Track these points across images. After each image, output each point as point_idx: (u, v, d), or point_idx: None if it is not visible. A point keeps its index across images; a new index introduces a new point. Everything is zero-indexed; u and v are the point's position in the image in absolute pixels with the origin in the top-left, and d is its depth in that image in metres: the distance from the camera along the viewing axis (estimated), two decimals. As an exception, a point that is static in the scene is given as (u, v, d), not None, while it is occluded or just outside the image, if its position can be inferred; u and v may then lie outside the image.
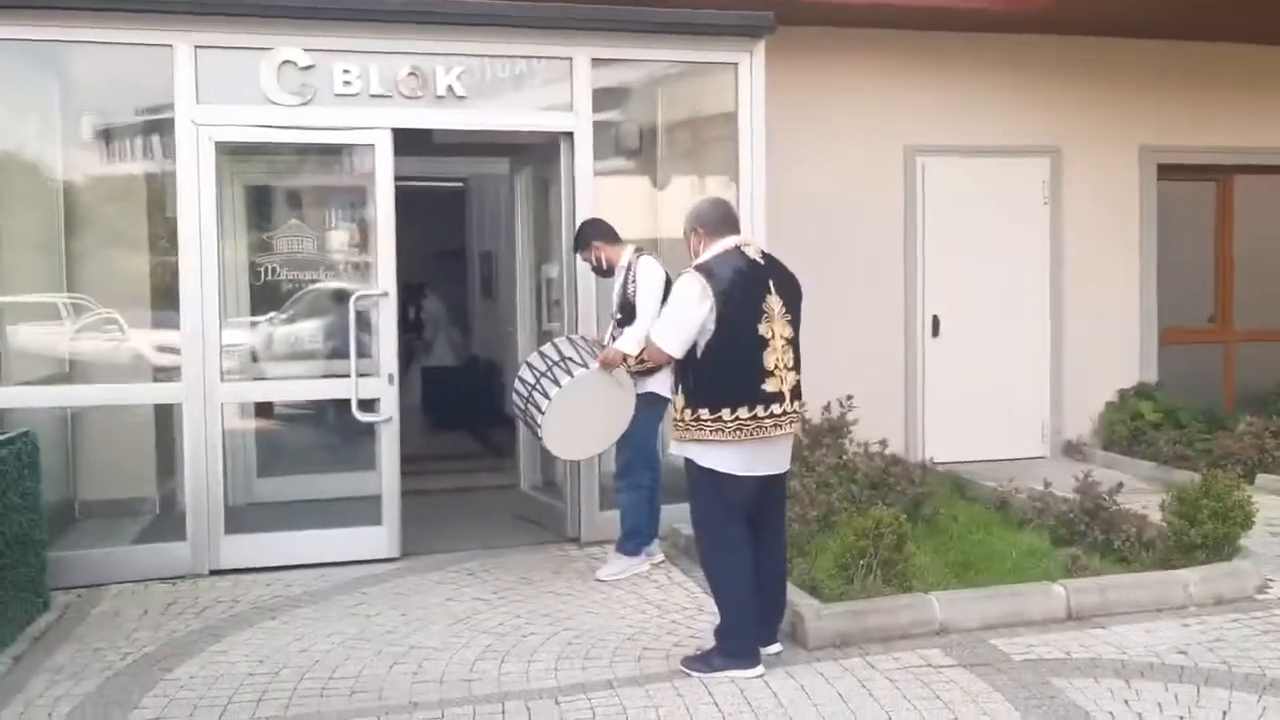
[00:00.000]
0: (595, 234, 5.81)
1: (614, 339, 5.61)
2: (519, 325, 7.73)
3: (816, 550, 5.50)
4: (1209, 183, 9.20)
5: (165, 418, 6.49)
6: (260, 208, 6.94)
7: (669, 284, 5.58)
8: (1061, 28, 8.22)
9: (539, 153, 7.33)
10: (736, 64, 6.61)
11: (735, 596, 4.33)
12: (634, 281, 5.58)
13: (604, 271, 5.87)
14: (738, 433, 4.20)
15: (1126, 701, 4.03)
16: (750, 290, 4.25)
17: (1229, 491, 5.21)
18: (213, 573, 5.90)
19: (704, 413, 4.22)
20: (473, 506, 7.52)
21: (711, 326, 4.19)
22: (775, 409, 4.24)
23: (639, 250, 5.74)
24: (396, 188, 6.15)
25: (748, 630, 4.33)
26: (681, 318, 4.23)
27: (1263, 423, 7.58)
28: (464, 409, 10.11)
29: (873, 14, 7.68)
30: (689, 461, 4.36)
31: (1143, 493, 6.68)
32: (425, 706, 4.13)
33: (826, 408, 7.39)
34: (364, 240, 6.62)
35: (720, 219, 4.45)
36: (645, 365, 5.56)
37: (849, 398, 7.35)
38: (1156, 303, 8.88)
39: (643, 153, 7.23)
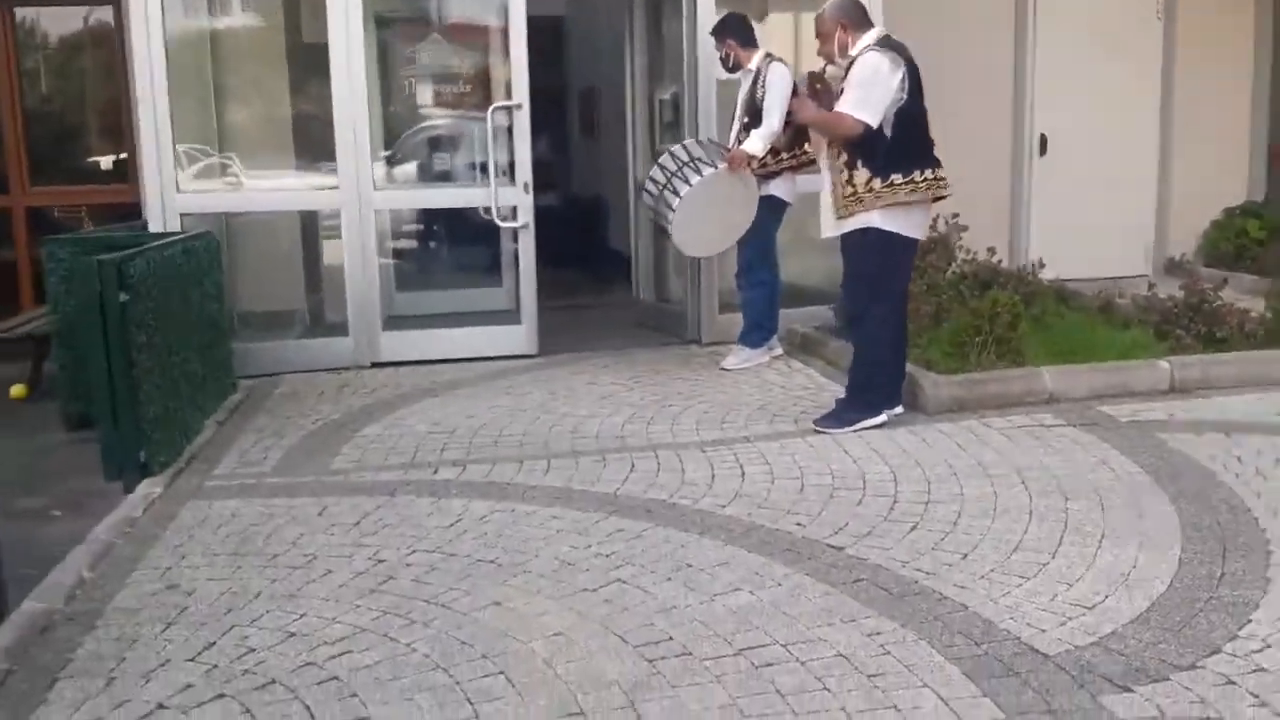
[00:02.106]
0: (734, 29, 6.06)
1: (739, 142, 5.94)
2: (633, 151, 8.09)
3: (929, 341, 5.88)
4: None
5: (312, 237, 7.05)
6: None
7: (797, 91, 5.90)
8: None
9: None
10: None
11: (882, 356, 4.85)
12: (764, 86, 5.87)
13: (729, 67, 6.15)
14: (928, 190, 4.67)
15: (1226, 449, 4.41)
16: (915, 66, 4.67)
17: (1334, 273, 5.44)
18: (373, 365, 6.50)
19: (897, 177, 4.63)
20: (593, 319, 8.03)
21: (904, 96, 4.60)
22: (942, 172, 4.73)
23: (770, 56, 6.01)
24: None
25: (883, 386, 4.86)
26: (880, 90, 4.58)
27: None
28: (570, 246, 10.54)
29: None
30: (862, 234, 4.73)
31: (1244, 302, 6.89)
32: (586, 454, 4.68)
33: (934, 222, 7.63)
34: (498, 52, 6.97)
35: (863, 13, 4.82)
36: (767, 168, 5.92)
37: (955, 215, 7.59)
38: (1269, 121, 8.87)
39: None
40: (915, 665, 2.80)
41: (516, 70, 6.47)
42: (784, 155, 5.96)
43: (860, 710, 2.59)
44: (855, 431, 4.77)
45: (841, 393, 5.24)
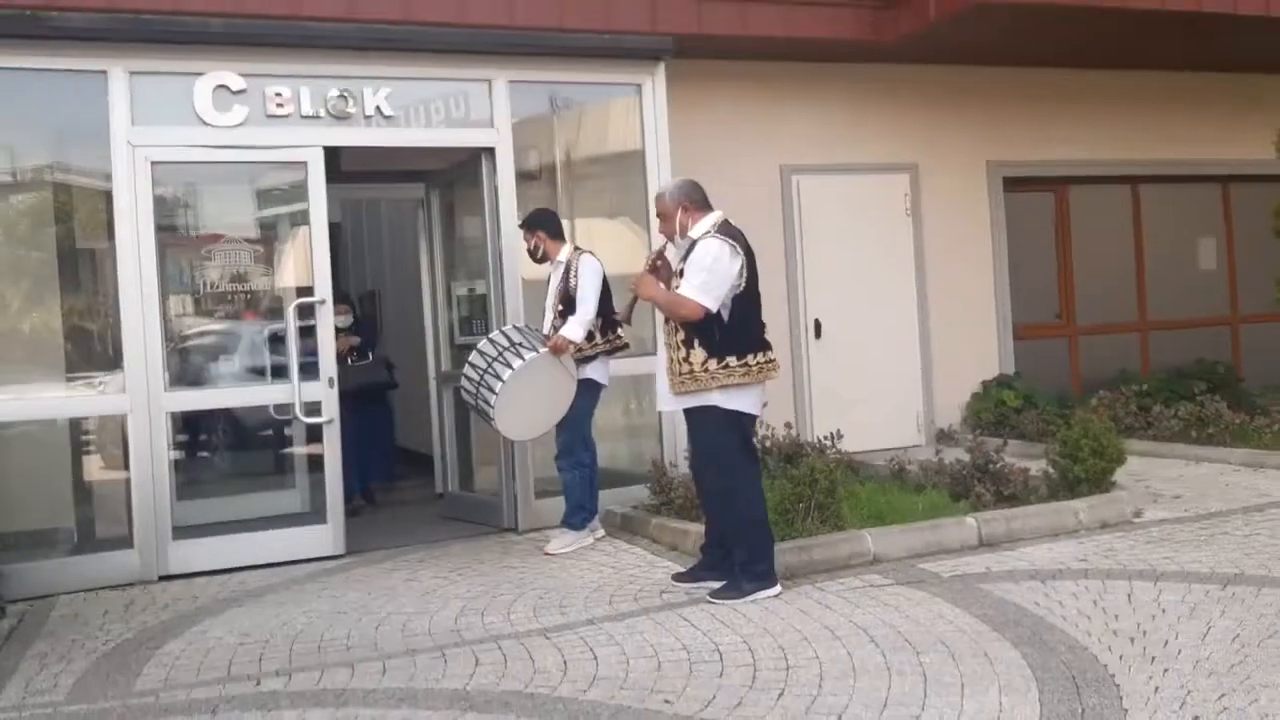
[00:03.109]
0: (544, 222, 6.25)
1: (555, 329, 6.02)
2: (434, 345, 8.09)
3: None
4: (1048, 194, 10.24)
5: (83, 446, 6.58)
6: (196, 221, 7.09)
7: (605, 280, 6.09)
8: (928, 56, 9.08)
9: (447, 176, 7.75)
10: (640, 84, 7.20)
11: (762, 526, 4.90)
12: (576, 275, 6.03)
13: (536, 258, 6.30)
14: (759, 373, 4.81)
15: (1046, 595, 4.65)
16: (750, 253, 4.88)
17: (1105, 433, 5.98)
18: (161, 578, 5.98)
19: (731, 360, 4.76)
20: (396, 515, 7.75)
21: (741, 284, 4.77)
22: (772, 355, 4.91)
23: (578, 248, 6.21)
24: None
25: (771, 554, 4.90)
26: (721, 276, 4.74)
27: (1113, 396, 8.50)
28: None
29: (761, 45, 8.31)
30: (704, 411, 4.82)
31: (1017, 463, 7.43)
32: (424, 651, 4.41)
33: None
34: (296, 249, 6.87)
35: (703, 196, 5.02)
36: (583, 353, 6.02)
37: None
38: (1010, 302, 9.82)
39: (554, 174, 7.70)
40: (825, 829, 2.71)
41: (319, 266, 6.39)
42: (599, 340, 6.08)
43: None
44: (751, 602, 4.75)
45: (673, 568, 5.26)
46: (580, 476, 6.14)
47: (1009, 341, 9.82)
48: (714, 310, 4.74)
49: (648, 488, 6.54)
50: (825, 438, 6.64)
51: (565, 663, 4.14)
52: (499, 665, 4.16)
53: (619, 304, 6.26)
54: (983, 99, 9.62)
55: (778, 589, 4.85)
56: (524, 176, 7.10)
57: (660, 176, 7.19)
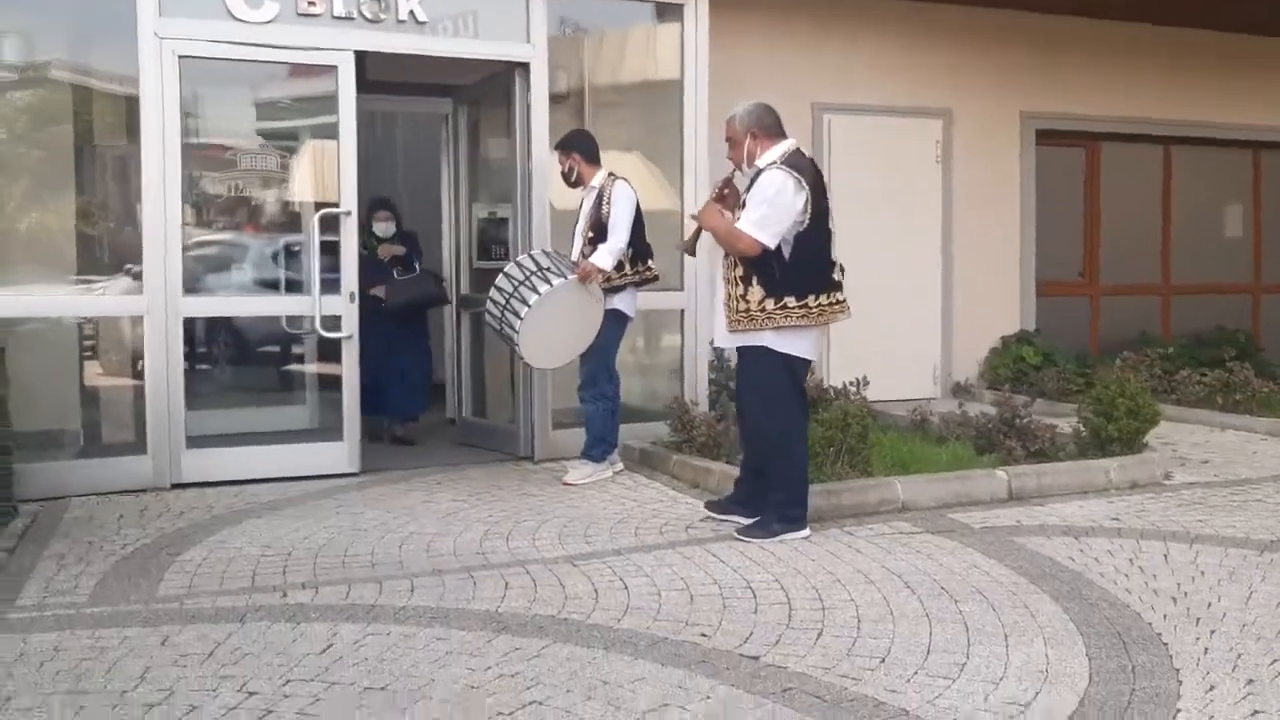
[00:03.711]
0: (580, 144, 6.07)
1: (584, 256, 5.88)
2: (455, 267, 7.95)
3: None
4: (1080, 149, 10.06)
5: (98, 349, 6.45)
6: (220, 124, 6.91)
7: (639, 210, 5.93)
8: (968, -2, 8.86)
9: (475, 93, 7.55)
10: (683, 4, 6.97)
11: (802, 472, 4.80)
12: (609, 202, 5.86)
13: (570, 182, 6.12)
14: (820, 317, 4.63)
15: (1080, 551, 4.58)
16: (821, 188, 4.69)
17: (1141, 393, 5.89)
18: (174, 486, 5.89)
19: (790, 300, 4.59)
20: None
21: (805, 220, 4.57)
22: (840, 296, 4.72)
23: (613, 175, 6.03)
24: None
25: (806, 499, 4.80)
26: (782, 211, 4.55)
27: (1136, 358, 8.41)
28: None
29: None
30: (756, 351, 4.69)
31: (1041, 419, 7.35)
32: (450, 572, 4.33)
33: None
34: (325, 160, 6.70)
35: (776, 122, 4.78)
36: (612, 283, 5.88)
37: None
38: (1035, 258, 9.68)
39: (584, 98, 7.50)
40: (882, 772, 2.65)
41: (346, 177, 6.21)
42: (628, 271, 5.94)
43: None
44: (780, 542, 4.68)
45: (700, 508, 5.19)
46: (603, 409, 6.03)
47: (1031, 297, 9.71)
48: (771, 247, 4.57)
49: (668, 424, 6.44)
50: (851, 383, 6.53)
51: (596, 591, 4.07)
52: (529, 590, 4.08)
53: (652, 236, 6.14)
54: (1020, 47, 9.41)
55: (807, 532, 4.78)
56: (555, 98, 6.88)
57: (698, 107, 7.03)
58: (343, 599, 4.00)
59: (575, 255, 6.01)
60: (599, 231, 5.90)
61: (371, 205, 7.17)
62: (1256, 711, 2.99)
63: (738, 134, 4.77)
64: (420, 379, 7.46)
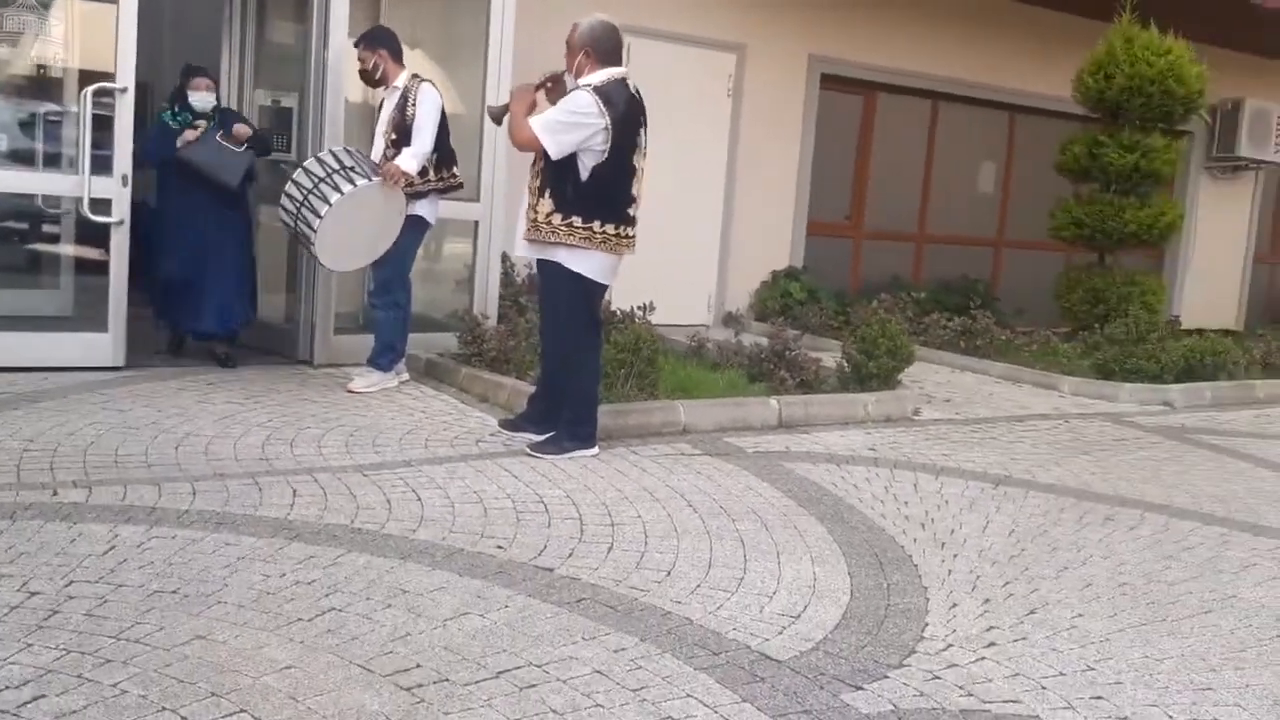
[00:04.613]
0: (387, 42, 5.87)
1: (387, 158, 5.74)
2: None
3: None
4: (859, 96, 10.57)
5: None
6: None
7: (444, 114, 5.84)
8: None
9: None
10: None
11: (592, 392, 4.91)
12: (414, 105, 5.73)
13: (373, 80, 5.94)
14: (603, 244, 4.70)
15: (842, 478, 4.97)
16: (632, 123, 4.71)
17: (899, 334, 6.36)
18: (-87, 370, 5.44)
19: (576, 220, 4.65)
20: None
21: (602, 149, 4.61)
22: (630, 231, 4.80)
23: (417, 76, 5.88)
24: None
25: (595, 419, 4.94)
26: (573, 124, 4.57)
27: (892, 300, 9.03)
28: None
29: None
30: (550, 267, 4.75)
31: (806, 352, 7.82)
32: (234, 477, 4.24)
33: (530, 265, 7.86)
34: (97, 25, 6.19)
35: (614, 48, 4.77)
36: (414, 188, 5.78)
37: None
38: (809, 198, 10.15)
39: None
40: (671, 677, 2.85)
41: (124, 49, 5.77)
42: (431, 177, 5.85)
43: (643, 723, 2.60)
44: (570, 459, 4.81)
45: (490, 422, 5.27)
46: (395, 317, 5.97)
47: (802, 236, 10.21)
48: (552, 155, 4.62)
49: (457, 336, 6.44)
50: (639, 308, 6.71)
51: (389, 501, 4.09)
52: (319, 498, 4.06)
53: (456, 141, 6.06)
54: (816, -8, 9.76)
55: (596, 450, 4.95)
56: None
57: (505, 14, 6.91)
58: (119, 500, 3.85)
59: (376, 157, 5.86)
60: (402, 134, 5.77)
61: (186, 71, 6.31)
62: (992, 627, 3.39)
63: (573, 45, 4.77)
64: (237, 282, 6.33)
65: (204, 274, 6.18)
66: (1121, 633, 3.43)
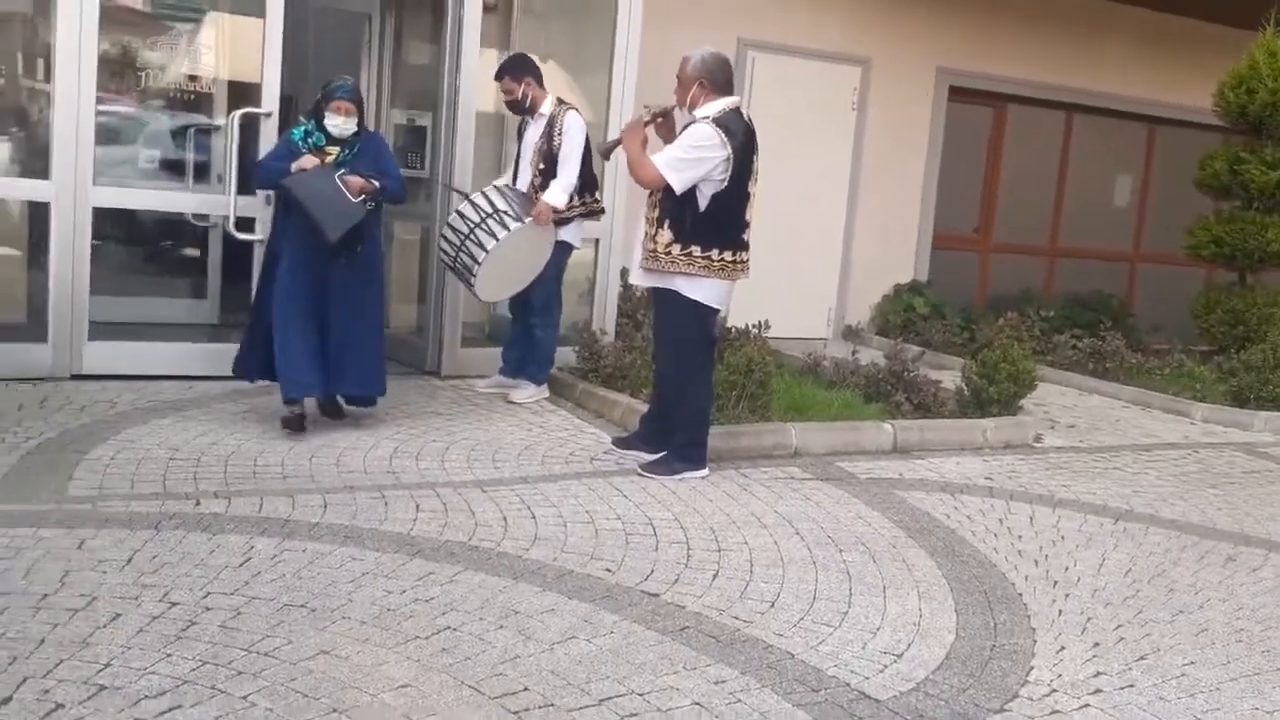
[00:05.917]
0: (531, 69, 6.02)
1: (534, 188, 5.94)
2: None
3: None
4: (989, 108, 10.38)
5: None
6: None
7: (587, 139, 5.97)
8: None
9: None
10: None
11: (705, 414, 5.02)
12: (560, 134, 5.88)
13: (522, 109, 6.07)
14: (720, 271, 4.80)
15: (955, 508, 4.94)
16: (748, 151, 4.81)
17: (1022, 359, 6.26)
18: (74, 377, 5.83)
19: (695, 249, 4.76)
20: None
21: (721, 179, 4.70)
22: (744, 256, 4.90)
23: (562, 102, 6.04)
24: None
25: (706, 442, 5.04)
26: (696, 159, 4.67)
27: (1019, 319, 8.85)
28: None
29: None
30: (667, 295, 4.86)
31: (927, 372, 7.73)
32: (362, 490, 4.46)
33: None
34: (245, 53, 6.55)
35: (728, 79, 4.87)
36: (561, 215, 5.94)
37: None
38: (934, 210, 10.03)
39: (511, 9, 7.44)
40: (769, 713, 2.92)
41: (269, 75, 6.09)
42: (575, 203, 6.01)
43: (738, 759, 2.67)
44: (680, 480, 4.92)
45: (604, 439, 5.40)
46: (553, 335, 6.23)
47: (927, 248, 10.09)
48: (676, 190, 4.71)
49: (575, 351, 6.60)
50: (754, 326, 6.76)
51: (505, 518, 4.25)
52: (439, 514, 4.24)
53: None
54: (941, 4, 9.61)
55: (705, 471, 5.02)
56: (485, 8, 6.83)
57: (630, 29, 7.02)
58: (256, 511, 4.10)
59: (525, 186, 6.02)
60: (550, 164, 5.93)
61: (327, 91, 5.14)
62: (1099, 673, 3.35)
63: (687, 78, 4.84)
64: (370, 345, 5.32)
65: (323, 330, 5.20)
66: (1233, 682, 3.36)
